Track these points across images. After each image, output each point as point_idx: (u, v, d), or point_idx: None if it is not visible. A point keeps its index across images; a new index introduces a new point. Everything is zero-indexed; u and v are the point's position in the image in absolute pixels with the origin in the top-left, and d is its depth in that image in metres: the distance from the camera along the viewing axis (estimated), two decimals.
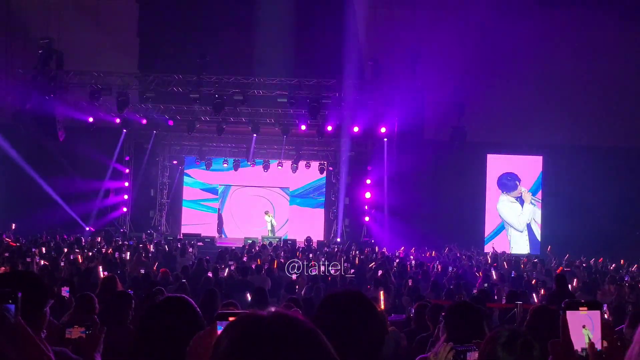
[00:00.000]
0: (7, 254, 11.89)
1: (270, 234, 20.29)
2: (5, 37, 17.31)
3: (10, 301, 1.41)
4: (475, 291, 9.27)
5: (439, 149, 19.52)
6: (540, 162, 21.12)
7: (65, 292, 6.10)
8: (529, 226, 21.17)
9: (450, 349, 2.28)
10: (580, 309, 1.76)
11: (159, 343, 1.98)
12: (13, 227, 16.58)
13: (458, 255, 16.33)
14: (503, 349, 2.01)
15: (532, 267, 14.23)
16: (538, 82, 19.52)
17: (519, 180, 21.20)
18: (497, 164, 21.33)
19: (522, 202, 21.19)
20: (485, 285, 10.46)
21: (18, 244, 14.22)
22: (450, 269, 12.99)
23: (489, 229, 21.07)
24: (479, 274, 12.38)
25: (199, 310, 2.16)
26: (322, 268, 11.87)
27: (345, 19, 18.25)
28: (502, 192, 21.22)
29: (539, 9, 19.35)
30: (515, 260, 15.92)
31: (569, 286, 10.76)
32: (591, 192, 19.07)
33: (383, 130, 18.34)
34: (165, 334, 1.98)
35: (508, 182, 21.22)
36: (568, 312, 1.73)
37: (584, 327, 1.73)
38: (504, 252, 17.78)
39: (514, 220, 21.16)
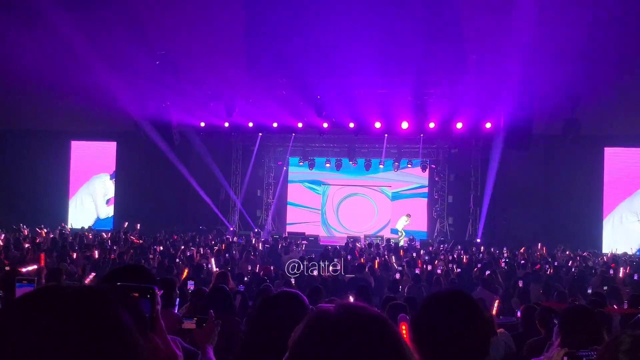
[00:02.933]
0: (131, 251, 12.95)
1: (401, 235, 20.03)
2: (131, 50, 18.84)
3: (148, 296, 1.46)
4: (591, 293, 8.66)
5: (550, 144, 18.42)
6: None
7: (190, 285, 6.57)
8: None
9: (565, 353, 2.17)
10: None
11: (271, 334, 2.09)
12: (138, 227, 18.03)
13: (572, 256, 15.34)
14: (626, 356, 1.86)
15: None
16: None
17: None
18: (616, 159, 19.65)
19: None
20: (605, 288, 9.73)
21: (141, 242, 15.43)
22: (564, 269, 12.25)
23: (608, 227, 19.41)
24: (596, 275, 11.56)
25: (308, 305, 2.26)
26: (429, 267, 11.70)
27: (445, 11, 17.76)
28: None
29: None
30: (638, 261, 14.66)
31: None
32: None
33: (488, 125, 17.66)
34: (278, 325, 2.08)
35: None
36: None
37: None
38: (625, 253, 16.45)
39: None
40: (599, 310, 5.15)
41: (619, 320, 7.44)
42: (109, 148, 22.61)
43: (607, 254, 16.73)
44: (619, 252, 16.83)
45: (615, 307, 8.04)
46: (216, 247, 14.92)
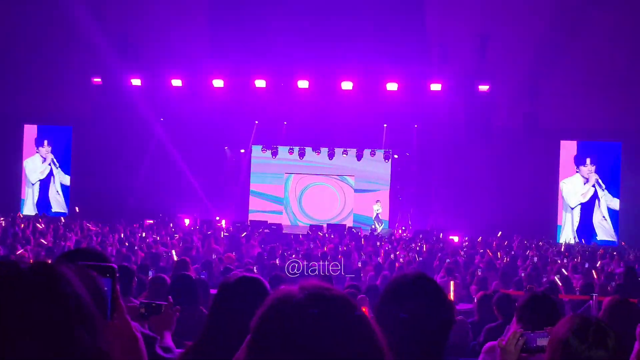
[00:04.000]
0: (88, 238, 12.61)
1: (376, 224, 20.30)
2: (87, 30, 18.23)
3: (107, 275, 1.39)
4: (545, 281, 8.94)
5: (509, 136, 18.86)
6: (620, 149, 19.86)
7: (152, 273, 6.45)
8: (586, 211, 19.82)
9: (520, 335, 2.22)
10: None
11: (233, 318, 2.05)
12: (77, 210, 17.69)
13: (528, 245, 15.79)
14: (575, 335, 1.92)
15: (609, 259, 13.54)
16: (617, 63, 18.32)
17: (594, 165, 19.93)
18: (571, 151, 20.26)
19: (586, 181, 19.98)
20: (557, 276, 10.06)
21: (97, 229, 15.04)
22: (521, 258, 12.60)
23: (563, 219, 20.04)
24: (550, 264, 11.93)
25: (270, 290, 2.22)
26: (391, 256, 11.81)
27: (409, 3, 17.89)
28: (577, 167, 19.91)
29: None
30: (590, 251, 15.22)
31: None
32: None
33: (450, 117, 17.94)
34: (239, 310, 2.04)
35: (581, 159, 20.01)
36: None
37: None
38: (577, 243, 17.05)
39: (571, 197, 19.93)
40: (552, 297, 5.30)
41: (570, 308, 7.72)
42: (64, 132, 21.87)
43: (562, 243, 17.31)
44: (572, 242, 17.46)
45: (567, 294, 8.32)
46: (177, 235, 14.69)
